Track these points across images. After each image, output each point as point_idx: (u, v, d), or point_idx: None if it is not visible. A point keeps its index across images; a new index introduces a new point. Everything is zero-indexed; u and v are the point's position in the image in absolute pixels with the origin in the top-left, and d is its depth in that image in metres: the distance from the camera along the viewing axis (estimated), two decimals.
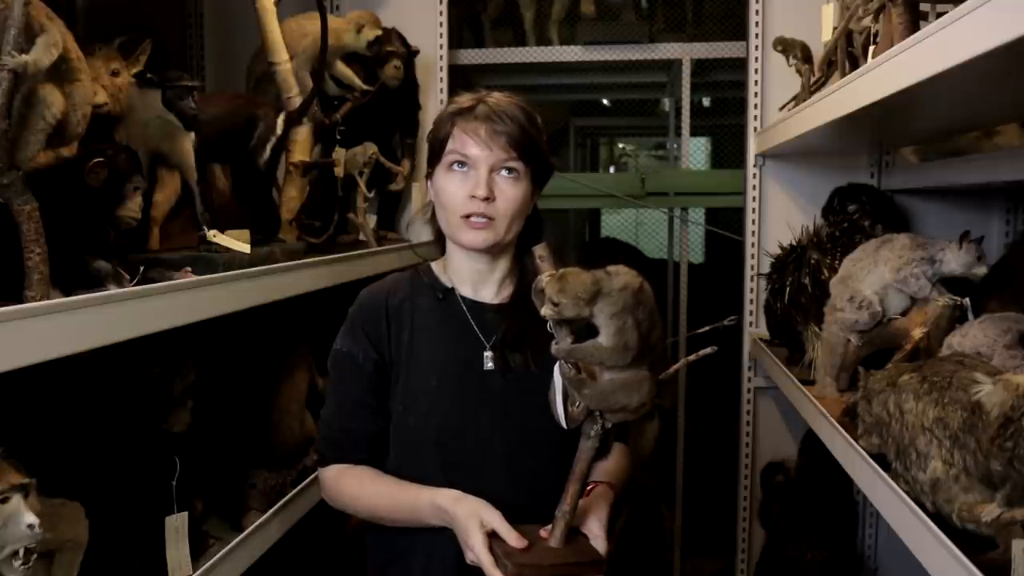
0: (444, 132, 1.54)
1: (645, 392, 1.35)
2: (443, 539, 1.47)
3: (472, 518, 1.39)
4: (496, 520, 1.38)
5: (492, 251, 1.57)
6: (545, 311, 1.31)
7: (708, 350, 1.42)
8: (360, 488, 1.57)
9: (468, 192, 1.51)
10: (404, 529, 1.54)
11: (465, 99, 1.55)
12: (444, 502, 1.44)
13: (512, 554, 1.36)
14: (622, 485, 1.60)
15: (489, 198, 1.50)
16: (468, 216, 1.52)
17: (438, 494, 1.46)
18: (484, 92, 1.56)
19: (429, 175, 1.60)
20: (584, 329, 1.35)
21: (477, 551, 1.36)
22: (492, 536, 1.39)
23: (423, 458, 1.55)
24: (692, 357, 1.43)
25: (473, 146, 1.50)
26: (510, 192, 1.52)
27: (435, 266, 1.66)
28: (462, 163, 1.52)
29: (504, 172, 1.52)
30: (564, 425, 1.40)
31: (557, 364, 1.38)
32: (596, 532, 1.44)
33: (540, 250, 1.43)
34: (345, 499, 1.59)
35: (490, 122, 1.50)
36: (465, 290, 1.62)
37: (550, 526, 1.41)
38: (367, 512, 1.58)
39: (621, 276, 1.33)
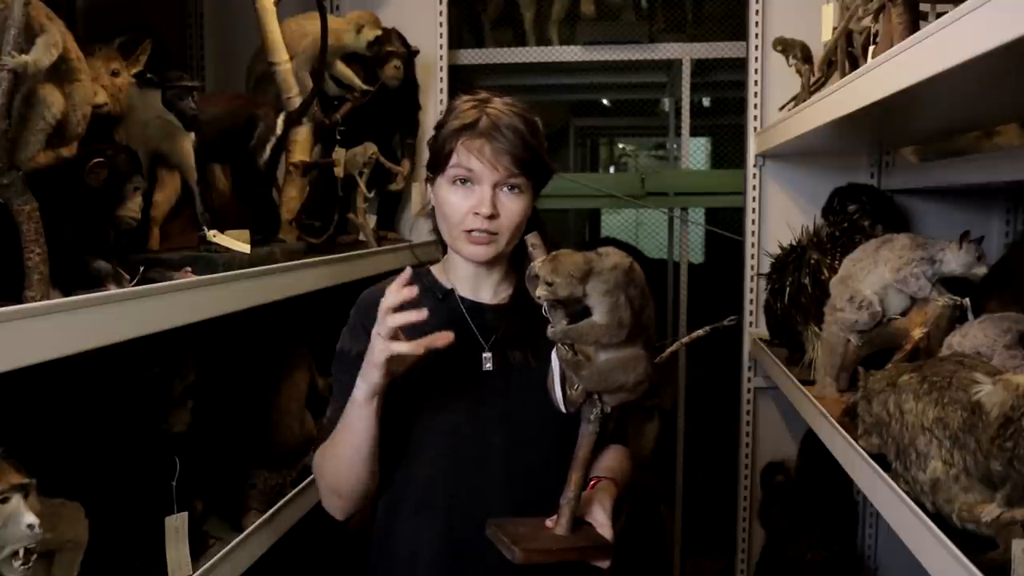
0: (448, 147, 1.52)
1: (641, 370, 1.38)
2: (440, 540, 1.47)
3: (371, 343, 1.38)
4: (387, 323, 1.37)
5: (492, 260, 1.58)
6: (540, 292, 1.34)
7: (701, 331, 1.47)
8: (323, 452, 1.54)
9: (471, 208, 1.51)
10: (403, 530, 1.55)
11: (467, 110, 1.53)
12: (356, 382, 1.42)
13: (521, 540, 1.37)
14: (624, 483, 1.61)
15: (493, 215, 1.50)
16: (470, 231, 1.52)
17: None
18: (484, 98, 1.55)
19: (430, 180, 1.60)
20: (579, 315, 1.37)
21: (381, 332, 1.36)
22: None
23: (423, 455, 1.55)
24: (686, 339, 1.48)
25: (477, 163, 1.50)
26: (513, 207, 1.52)
27: (435, 268, 1.67)
28: (466, 179, 1.52)
29: (507, 188, 1.52)
30: (563, 409, 1.41)
31: (554, 348, 1.40)
32: (601, 520, 1.44)
33: (532, 238, 1.44)
34: (322, 470, 1.55)
35: (493, 140, 1.49)
36: (464, 291, 1.62)
37: (555, 516, 1.42)
38: (335, 465, 1.52)
39: (611, 256, 1.36)
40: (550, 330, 1.37)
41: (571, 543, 1.40)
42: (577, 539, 1.41)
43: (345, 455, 1.50)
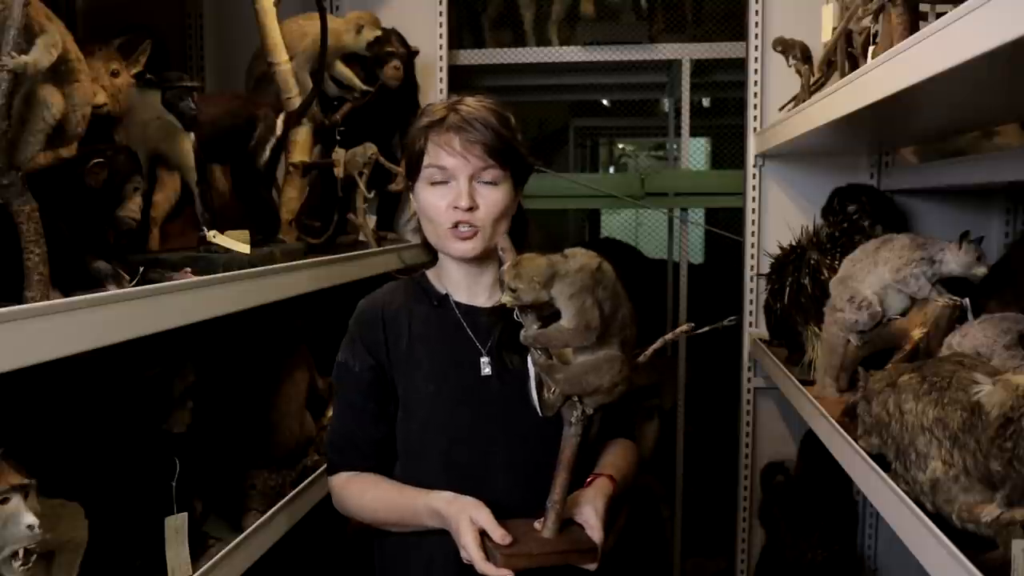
0: (418, 146, 1.54)
1: (616, 372, 1.36)
2: (444, 541, 1.47)
3: (463, 516, 1.41)
4: (484, 517, 1.40)
5: (480, 257, 1.58)
6: (504, 298, 1.34)
7: (686, 327, 1.45)
8: (363, 495, 1.59)
9: (450, 203, 1.52)
10: (408, 531, 1.55)
11: (437, 109, 1.55)
12: (438, 504, 1.46)
13: (502, 546, 1.37)
14: (625, 480, 1.60)
15: (472, 208, 1.51)
16: (454, 227, 1.52)
17: (433, 497, 1.48)
18: (456, 99, 1.56)
19: (410, 188, 1.60)
20: (553, 318, 1.36)
21: (468, 548, 1.39)
22: (484, 534, 1.40)
23: (425, 463, 1.56)
24: (669, 336, 1.45)
25: (448, 157, 1.50)
26: (492, 198, 1.52)
27: (430, 273, 1.67)
28: (441, 176, 1.52)
29: (483, 179, 1.52)
30: (540, 413, 1.41)
31: (529, 352, 1.39)
32: (591, 522, 1.44)
33: (503, 242, 1.46)
34: (351, 506, 1.61)
35: (463, 132, 1.50)
36: (460, 296, 1.62)
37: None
38: (372, 518, 1.60)
39: (578, 258, 1.35)
40: (522, 335, 1.37)
41: (555, 546, 1.40)
42: (561, 542, 1.40)
43: (384, 521, 1.58)
